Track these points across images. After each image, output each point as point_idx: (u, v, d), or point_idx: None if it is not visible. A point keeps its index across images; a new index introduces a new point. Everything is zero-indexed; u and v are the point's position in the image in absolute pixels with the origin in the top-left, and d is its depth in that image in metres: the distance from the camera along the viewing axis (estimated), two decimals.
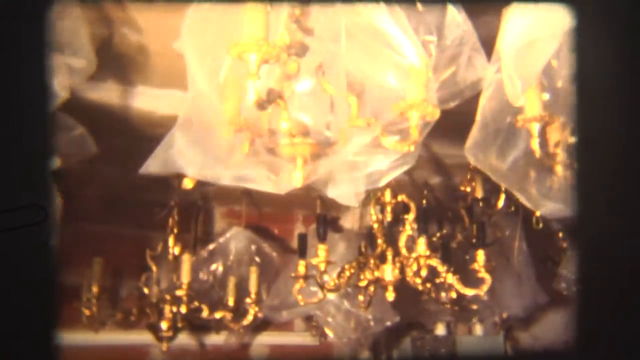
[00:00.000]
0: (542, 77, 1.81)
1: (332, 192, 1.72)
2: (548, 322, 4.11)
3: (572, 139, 1.88)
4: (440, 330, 3.96)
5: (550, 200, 1.94)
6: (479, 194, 3.14)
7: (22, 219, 0.93)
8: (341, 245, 3.14)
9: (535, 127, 1.76)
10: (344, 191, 1.70)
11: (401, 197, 2.66)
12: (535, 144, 1.77)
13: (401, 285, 2.61)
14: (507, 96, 1.63)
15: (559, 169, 1.93)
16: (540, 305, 3.78)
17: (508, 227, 3.62)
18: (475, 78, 1.74)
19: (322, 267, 2.46)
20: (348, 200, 1.71)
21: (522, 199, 1.91)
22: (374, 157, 1.67)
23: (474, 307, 3.79)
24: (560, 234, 3.79)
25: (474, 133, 1.77)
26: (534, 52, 1.46)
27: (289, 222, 3.91)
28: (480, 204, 3.16)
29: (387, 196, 2.67)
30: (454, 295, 2.77)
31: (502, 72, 1.50)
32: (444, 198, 3.47)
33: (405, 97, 1.60)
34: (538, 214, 2.53)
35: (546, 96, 1.85)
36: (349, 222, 3.70)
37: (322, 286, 2.52)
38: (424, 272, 2.47)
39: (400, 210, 2.78)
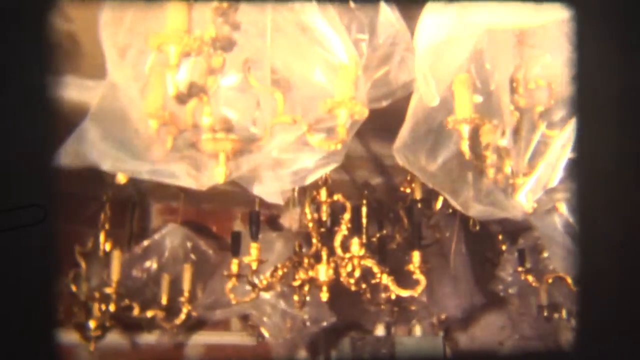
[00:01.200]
0: (476, 79, 1.81)
1: (257, 190, 1.68)
2: (486, 323, 4.16)
3: (501, 142, 1.88)
4: (380, 330, 3.97)
5: (479, 203, 1.94)
6: (418, 195, 3.14)
7: (22, 219, 0.93)
8: (279, 244, 3.10)
9: (465, 129, 1.75)
10: (269, 189, 1.67)
11: (337, 197, 2.64)
12: (465, 146, 1.76)
13: (340, 286, 2.60)
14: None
15: (490, 172, 1.93)
16: (478, 307, 3.82)
17: (448, 229, 3.65)
18: (407, 78, 1.72)
19: (254, 265, 2.43)
20: (273, 198, 1.68)
21: (452, 201, 1.91)
22: (300, 155, 1.64)
23: (413, 308, 3.81)
24: (500, 236, 3.85)
25: (404, 133, 1.75)
26: (449, 51, 1.44)
27: (227, 219, 3.85)
28: (419, 205, 3.16)
29: (323, 195, 2.64)
30: (393, 296, 2.77)
31: (416, 71, 1.48)
32: (384, 198, 3.47)
33: (333, 94, 1.57)
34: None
35: (479, 98, 1.84)
36: (288, 220, 3.66)
37: (253, 285, 2.48)
38: (357, 273, 2.46)
39: (339, 210, 2.76)
